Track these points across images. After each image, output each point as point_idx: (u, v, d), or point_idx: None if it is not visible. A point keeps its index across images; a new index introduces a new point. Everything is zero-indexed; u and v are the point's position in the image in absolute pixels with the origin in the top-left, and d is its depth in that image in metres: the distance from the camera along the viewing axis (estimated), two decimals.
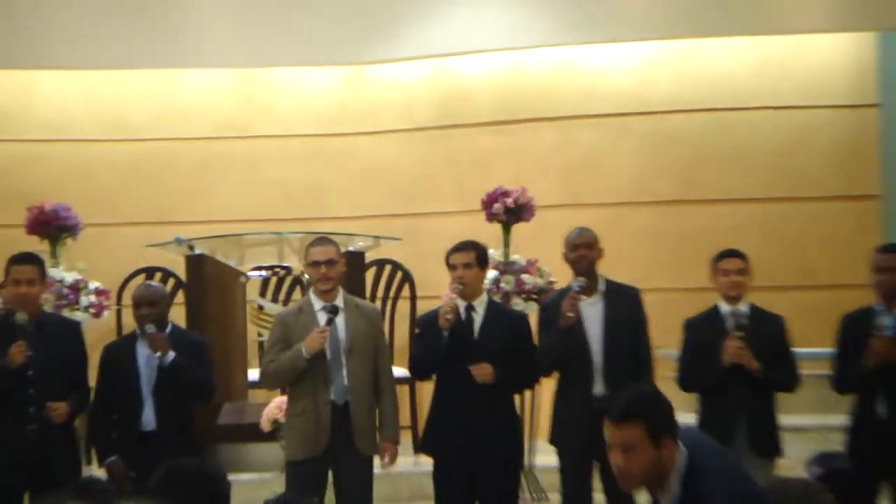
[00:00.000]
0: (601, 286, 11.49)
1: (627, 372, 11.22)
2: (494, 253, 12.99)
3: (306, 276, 12.77)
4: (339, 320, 11.10)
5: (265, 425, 12.26)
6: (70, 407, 10.96)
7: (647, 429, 6.27)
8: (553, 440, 11.25)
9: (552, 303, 11.78)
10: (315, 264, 11.07)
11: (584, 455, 11.28)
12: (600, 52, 16.50)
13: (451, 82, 16.81)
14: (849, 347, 11.35)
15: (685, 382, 11.35)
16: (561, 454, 11.46)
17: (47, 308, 12.76)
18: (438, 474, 11.40)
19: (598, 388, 11.20)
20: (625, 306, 11.37)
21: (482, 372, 11.02)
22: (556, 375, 11.47)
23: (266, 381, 11.71)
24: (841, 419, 11.61)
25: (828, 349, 11.74)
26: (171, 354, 11.31)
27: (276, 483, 11.27)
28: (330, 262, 11.10)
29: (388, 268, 14.84)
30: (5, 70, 16.44)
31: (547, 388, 11.87)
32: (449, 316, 10.97)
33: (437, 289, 12.38)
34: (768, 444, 11.05)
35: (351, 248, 12.99)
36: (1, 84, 16.61)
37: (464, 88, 16.77)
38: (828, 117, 16.32)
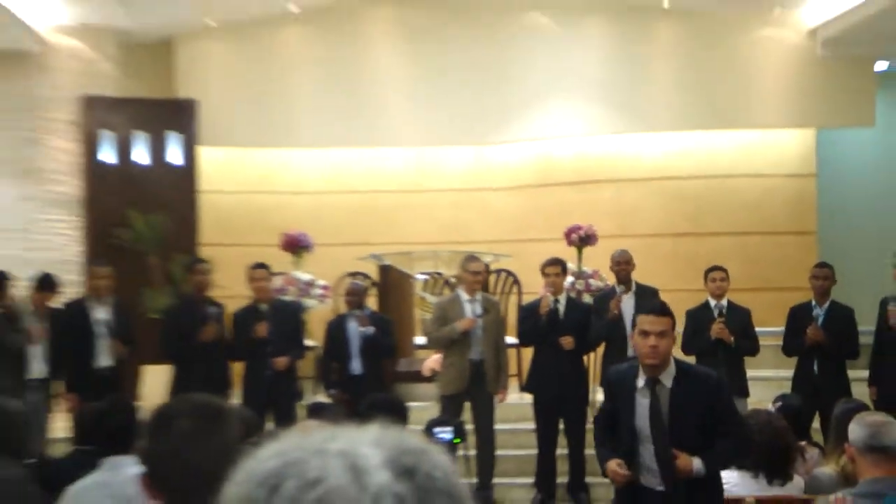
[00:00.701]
0: (633, 287, 12.10)
1: None
2: (572, 265, 13.17)
3: (452, 279, 13.19)
4: (477, 307, 11.52)
5: (426, 372, 12.60)
6: (289, 359, 11.64)
7: (672, 323, 6.66)
8: (602, 384, 11.74)
9: (601, 297, 12.53)
10: (474, 273, 11.63)
11: None
12: (641, 138, 16.54)
13: (545, 156, 16.89)
14: (794, 327, 11.70)
15: (686, 349, 11.50)
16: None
17: (290, 296, 13.05)
18: (536, 405, 11.94)
19: (630, 352, 11.53)
20: (649, 299, 11.69)
21: (567, 341, 11.61)
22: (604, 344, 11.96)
23: (430, 345, 12.44)
24: (788, 372, 11.87)
25: (780, 328, 12.00)
26: (371, 329, 11.73)
27: (432, 409, 11.41)
28: (480, 273, 11.77)
29: (504, 274, 14.89)
30: (266, 148, 16.61)
31: (600, 352, 12.15)
32: (546, 309, 11.56)
33: (534, 288, 12.60)
34: (740, 388, 11.22)
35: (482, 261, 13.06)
36: (264, 156, 16.76)
37: (553, 160, 16.82)
38: (783, 182, 16.29)
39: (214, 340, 11.49)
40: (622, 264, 12.10)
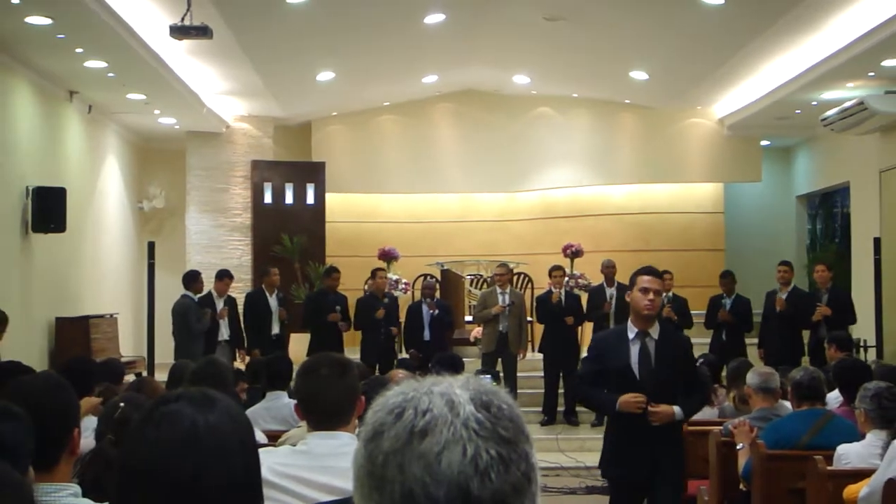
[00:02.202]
0: (615, 284, 11.90)
1: (624, 316, 11.53)
2: (567, 270, 13.07)
3: (491, 277, 13.13)
4: (506, 297, 11.52)
5: (472, 338, 12.52)
6: (396, 329, 11.75)
7: (662, 285, 5.69)
8: (589, 348, 11.76)
9: (594, 292, 12.37)
10: (500, 274, 11.69)
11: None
12: (611, 187, 16.44)
13: (548, 198, 16.78)
14: (711, 311, 11.71)
15: None
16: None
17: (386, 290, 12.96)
18: (545, 360, 11.99)
19: (612, 324, 11.46)
20: (625, 292, 11.66)
21: (569, 319, 11.64)
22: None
23: (475, 321, 12.32)
24: (707, 339, 11.76)
25: (702, 311, 11.92)
26: (437, 310, 11.71)
27: (476, 363, 11.42)
28: (506, 274, 11.80)
29: (523, 275, 14.86)
30: (369, 193, 16.65)
31: (587, 326, 12.04)
32: (556, 300, 11.64)
33: (541, 285, 12.55)
34: None
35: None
36: (367, 199, 16.77)
37: (554, 201, 16.72)
38: (703, 216, 16.27)
39: (335, 321, 11.65)
40: (609, 268, 12.17)
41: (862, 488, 4.64)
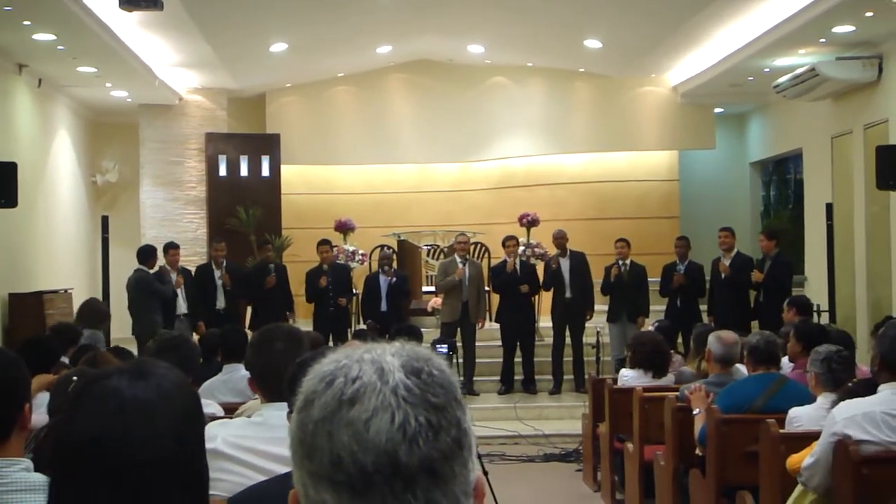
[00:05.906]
0: (568, 253, 12.01)
1: (583, 284, 11.89)
2: (523, 240, 13.08)
3: (448, 247, 13.13)
4: (466, 267, 11.64)
5: (430, 309, 12.55)
6: (345, 300, 11.80)
7: None
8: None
9: (549, 260, 12.40)
10: (462, 243, 11.90)
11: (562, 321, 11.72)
12: (566, 156, 16.43)
13: (504, 168, 16.78)
14: (665, 278, 11.70)
15: (604, 290, 11.96)
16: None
17: (341, 261, 12.93)
18: (502, 330, 12.04)
19: (568, 293, 11.55)
20: (579, 260, 11.78)
21: (524, 288, 11.87)
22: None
23: (438, 290, 12.36)
24: (662, 305, 11.81)
25: (656, 278, 11.95)
26: (394, 279, 11.68)
27: (435, 333, 11.44)
28: (466, 243, 12.03)
29: (479, 245, 14.85)
30: (324, 164, 16.57)
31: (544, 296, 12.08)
32: (511, 268, 11.73)
33: (498, 254, 12.52)
34: (633, 316, 11.20)
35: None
36: (323, 170, 16.70)
37: (511, 171, 16.74)
38: (657, 184, 16.33)
39: (272, 287, 11.94)
40: (560, 239, 12.25)
41: (805, 458, 4.66)
